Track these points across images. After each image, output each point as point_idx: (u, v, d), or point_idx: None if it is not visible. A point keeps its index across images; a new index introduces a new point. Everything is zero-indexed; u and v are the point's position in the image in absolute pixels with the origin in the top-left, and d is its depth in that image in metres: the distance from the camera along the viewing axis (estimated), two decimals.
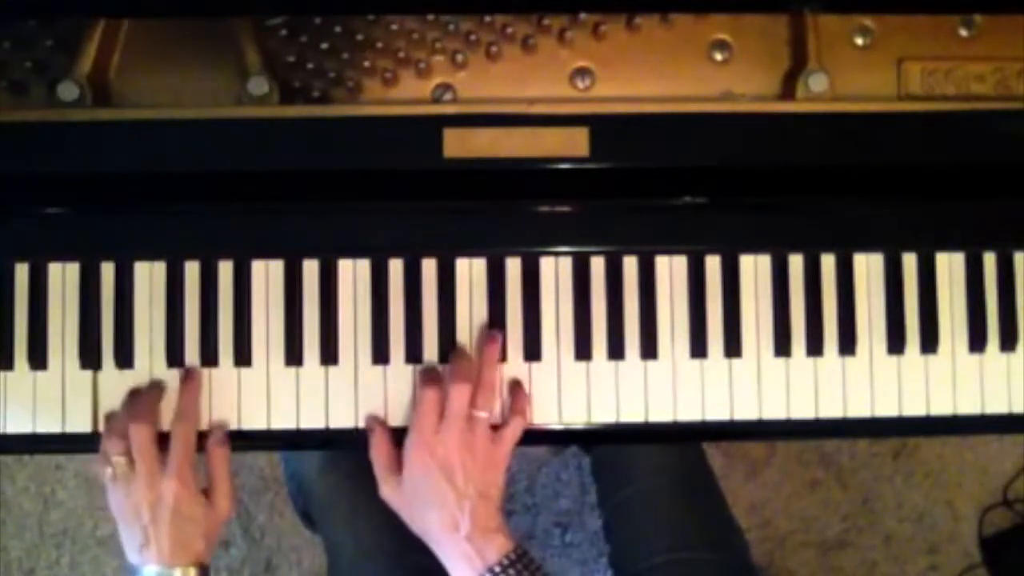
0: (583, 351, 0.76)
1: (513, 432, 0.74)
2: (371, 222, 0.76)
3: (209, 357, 0.76)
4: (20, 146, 0.73)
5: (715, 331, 0.77)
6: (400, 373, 0.76)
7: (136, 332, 0.76)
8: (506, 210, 0.76)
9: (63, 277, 0.76)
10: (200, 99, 0.74)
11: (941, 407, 0.78)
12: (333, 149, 0.73)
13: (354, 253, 0.76)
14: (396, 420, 0.76)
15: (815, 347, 0.77)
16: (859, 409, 0.77)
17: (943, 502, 1.45)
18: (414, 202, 0.76)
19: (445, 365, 0.76)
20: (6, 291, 0.75)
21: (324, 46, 0.75)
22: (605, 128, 0.73)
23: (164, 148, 0.73)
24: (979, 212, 0.77)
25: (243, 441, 0.75)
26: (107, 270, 0.76)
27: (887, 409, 0.77)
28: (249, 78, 0.73)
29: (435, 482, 0.70)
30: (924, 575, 1.45)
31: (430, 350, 0.76)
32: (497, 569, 0.69)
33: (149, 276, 0.76)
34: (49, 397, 0.75)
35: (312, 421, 0.76)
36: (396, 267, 0.76)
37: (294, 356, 0.76)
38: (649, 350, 0.77)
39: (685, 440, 0.94)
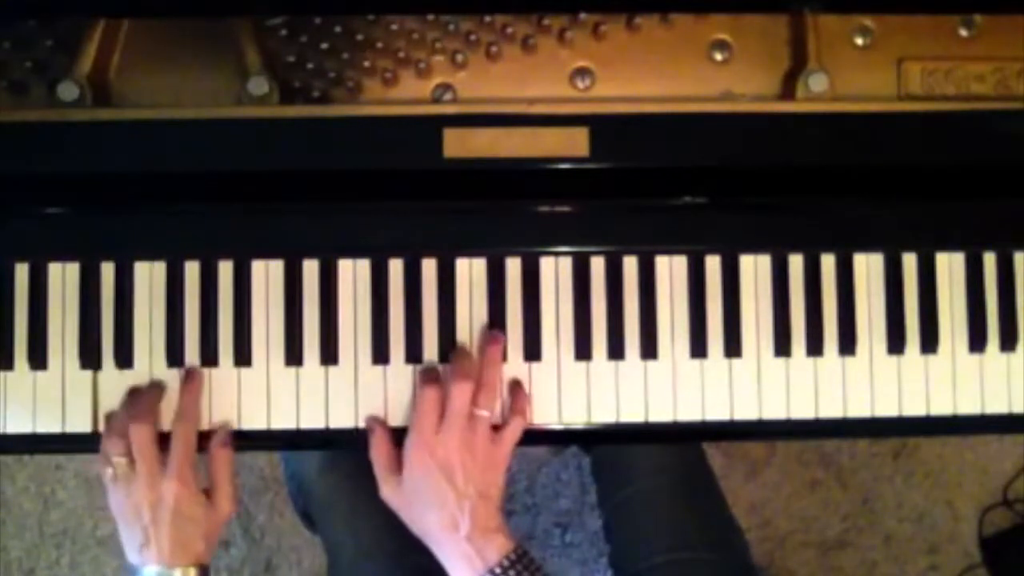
0: (583, 351, 0.76)
1: (513, 432, 0.74)
2: (371, 222, 0.76)
3: (209, 357, 0.76)
4: (20, 146, 0.72)
5: (715, 331, 0.77)
6: (400, 373, 0.76)
7: (136, 332, 0.76)
8: (506, 210, 0.76)
9: (63, 277, 0.76)
10: (200, 99, 0.74)
11: (941, 407, 0.78)
12: (333, 149, 0.73)
13: (354, 253, 0.76)
14: (396, 420, 0.76)
15: (815, 347, 0.77)
16: (859, 409, 0.77)
17: (943, 502, 1.45)
18: (414, 202, 0.76)
19: (445, 365, 0.76)
20: (6, 291, 0.75)
21: (324, 46, 0.75)
22: (605, 128, 0.73)
23: (164, 148, 0.73)
24: (979, 212, 0.77)
25: (243, 441, 0.75)
26: (107, 270, 0.76)
27: (887, 409, 0.77)
28: (249, 78, 0.73)
29: (435, 482, 0.70)
30: (924, 575, 1.45)
31: (430, 350, 0.76)
32: (497, 570, 0.69)
33: (149, 276, 0.76)
34: (49, 397, 0.75)
35: (312, 421, 0.76)
36: (396, 267, 0.76)
37: (294, 356, 0.76)
38: (649, 350, 0.77)
39: (685, 440, 0.94)
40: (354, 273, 0.76)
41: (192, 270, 0.76)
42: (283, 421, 0.76)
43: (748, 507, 1.42)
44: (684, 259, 0.77)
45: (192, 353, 0.76)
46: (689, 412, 0.77)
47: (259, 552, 1.41)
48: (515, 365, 0.76)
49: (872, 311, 0.78)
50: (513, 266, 0.77)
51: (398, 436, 0.74)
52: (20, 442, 0.76)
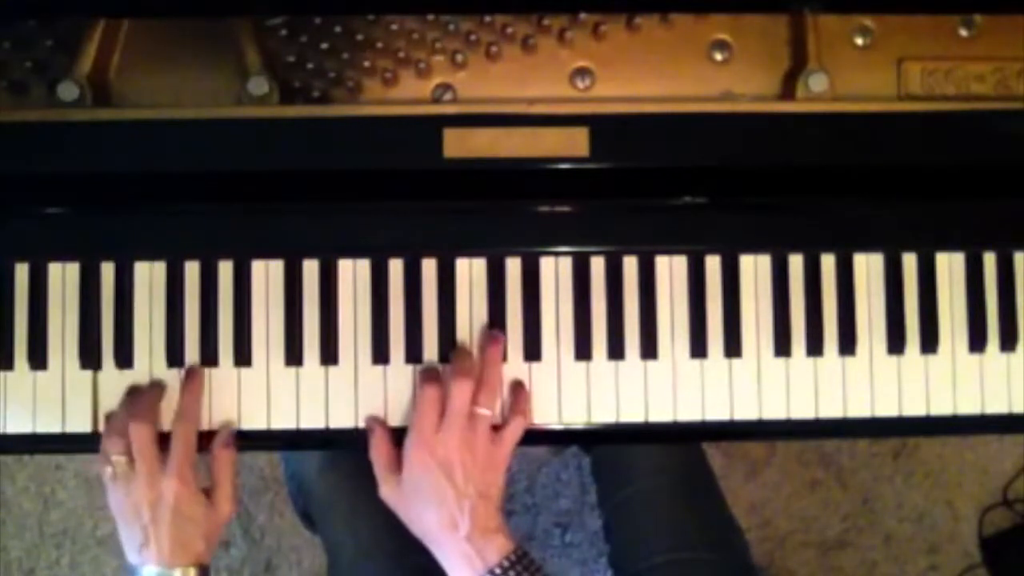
0: (583, 351, 0.76)
1: (514, 432, 0.74)
2: (371, 222, 0.76)
3: (209, 357, 0.76)
4: (20, 146, 0.72)
5: (715, 331, 0.77)
6: (400, 373, 0.76)
7: (136, 332, 0.76)
8: (506, 210, 0.76)
9: (63, 277, 0.76)
10: (200, 99, 0.74)
11: (941, 407, 0.78)
12: (333, 149, 0.73)
13: (354, 253, 0.76)
14: (396, 420, 0.76)
15: (815, 347, 0.77)
16: (859, 409, 0.77)
17: (943, 502, 1.45)
18: (414, 202, 0.76)
19: (445, 365, 0.76)
20: (6, 291, 0.75)
21: (324, 46, 0.75)
22: (605, 128, 0.73)
23: (164, 148, 0.73)
24: (979, 212, 0.77)
25: (243, 441, 0.75)
26: (107, 270, 0.76)
27: (887, 409, 0.77)
28: (249, 78, 0.73)
29: (435, 480, 0.70)
30: (924, 575, 1.45)
31: (430, 350, 0.76)
32: (497, 571, 0.69)
33: (149, 276, 0.76)
34: (49, 397, 0.75)
35: (312, 421, 0.76)
36: (396, 267, 0.76)
37: (294, 356, 0.76)
38: (649, 350, 0.77)
39: (685, 440, 0.94)
40: (354, 273, 0.76)
41: (192, 270, 0.76)
42: (283, 421, 0.76)
43: (748, 507, 1.42)
44: (684, 259, 0.77)
45: (192, 353, 0.76)
46: (689, 412, 0.77)
47: (259, 552, 1.41)
48: (515, 365, 0.76)
49: (872, 311, 0.78)
50: (513, 266, 0.77)
51: (398, 436, 0.74)
52: (20, 442, 0.76)
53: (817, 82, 0.74)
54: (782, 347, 0.77)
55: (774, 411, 0.77)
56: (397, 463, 0.73)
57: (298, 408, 0.76)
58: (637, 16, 0.75)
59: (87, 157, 0.73)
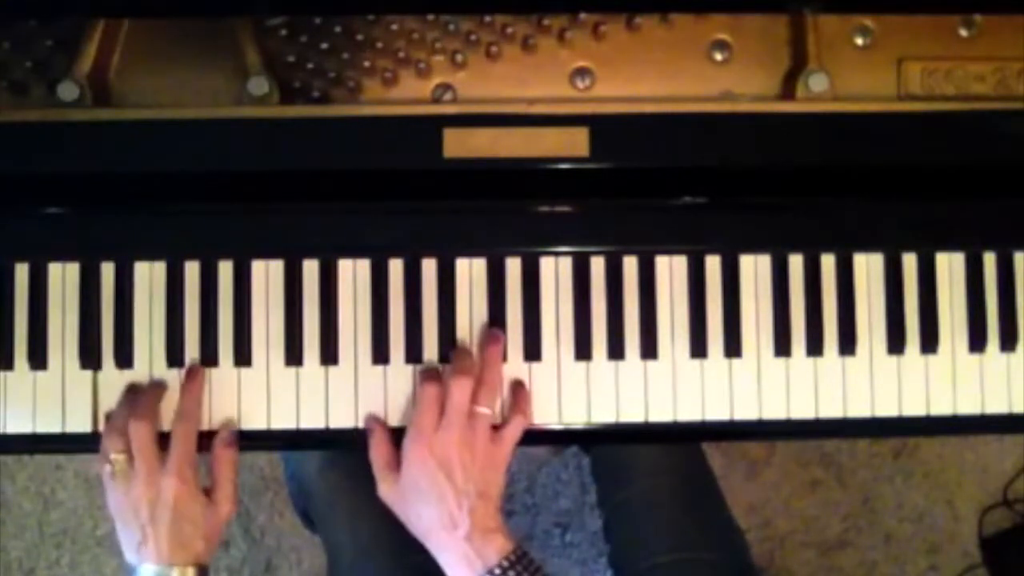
0: (583, 351, 0.76)
1: (513, 432, 0.74)
2: (371, 222, 0.76)
3: (209, 357, 0.76)
4: (20, 146, 0.73)
5: (715, 331, 0.77)
6: (400, 373, 0.76)
7: (136, 332, 0.76)
8: (506, 210, 0.76)
9: (63, 277, 0.76)
10: (200, 99, 0.74)
11: (941, 407, 0.78)
12: (333, 149, 0.73)
13: (354, 253, 0.76)
14: (396, 420, 0.76)
15: (815, 347, 0.77)
16: (859, 409, 0.77)
17: (943, 502, 1.45)
18: (414, 202, 0.76)
19: (445, 365, 0.76)
20: (6, 291, 0.75)
21: (324, 46, 0.75)
22: (605, 128, 0.73)
23: (164, 148, 0.73)
24: (979, 212, 0.77)
25: (243, 441, 0.75)
26: (107, 270, 0.76)
27: (887, 409, 0.77)
28: (249, 78, 0.73)
29: (433, 479, 0.70)
30: (924, 575, 1.45)
31: (430, 350, 0.76)
32: (497, 571, 0.69)
33: (149, 276, 0.76)
34: (49, 397, 0.75)
35: (312, 421, 0.76)
36: (396, 267, 0.76)
37: (294, 356, 0.76)
38: (649, 350, 0.77)
39: (685, 440, 0.94)
40: (354, 273, 0.76)
41: (192, 270, 0.76)
42: (283, 421, 0.76)
43: (748, 507, 1.42)
44: (684, 259, 0.77)
45: (192, 353, 0.76)
46: (689, 412, 0.77)
47: (259, 552, 1.41)
48: (515, 365, 0.76)
49: (872, 311, 0.78)
50: (513, 266, 0.77)
51: (398, 436, 0.74)
52: (20, 442, 0.76)
53: (817, 82, 0.74)
54: (782, 347, 0.77)
55: (774, 411, 0.77)
56: (396, 462, 0.73)
57: (298, 408, 0.76)
58: (637, 16, 0.75)
59: (87, 157, 0.73)
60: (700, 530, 0.90)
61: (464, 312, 0.76)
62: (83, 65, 0.72)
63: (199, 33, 0.75)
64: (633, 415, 0.77)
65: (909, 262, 0.78)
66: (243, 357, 0.76)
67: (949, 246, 0.78)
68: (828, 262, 0.78)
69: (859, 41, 0.76)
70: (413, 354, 0.76)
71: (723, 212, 0.77)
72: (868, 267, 0.78)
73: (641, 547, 0.91)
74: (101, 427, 0.75)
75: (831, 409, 0.77)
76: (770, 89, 0.76)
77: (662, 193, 0.76)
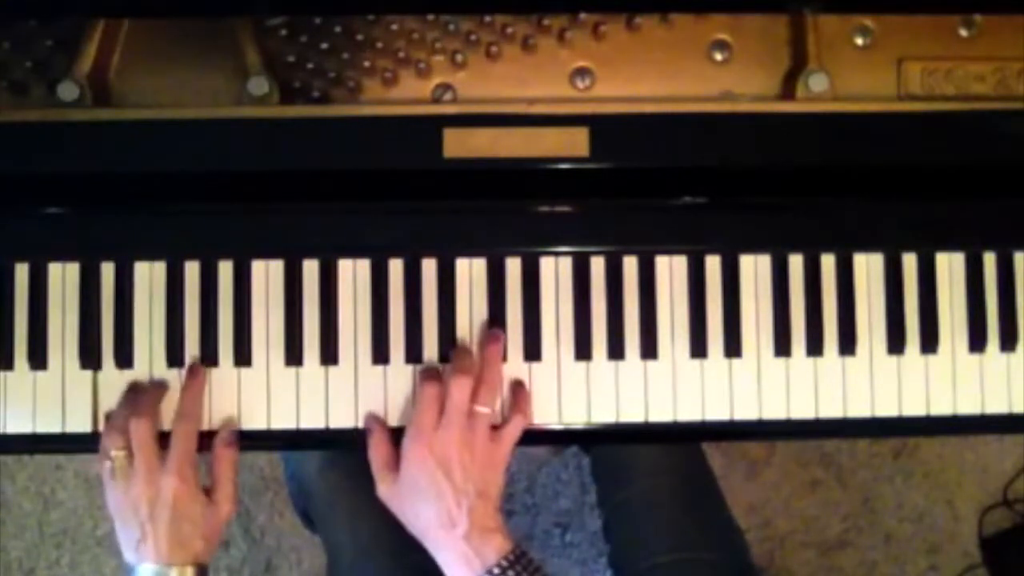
0: (583, 351, 0.76)
1: (513, 431, 0.74)
2: (371, 222, 0.76)
3: (209, 357, 0.76)
4: (20, 146, 0.73)
5: (715, 331, 0.77)
6: (400, 373, 0.76)
7: (136, 332, 0.76)
8: (506, 210, 0.76)
9: (63, 277, 0.76)
10: (200, 99, 0.74)
11: (941, 407, 0.78)
12: (333, 149, 0.73)
13: (354, 253, 0.76)
14: (396, 420, 0.76)
15: (815, 347, 0.77)
16: (859, 409, 0.77)
17: (943, 502, 1.45)
18: (414, 202, 0.76)
19: (445, 365, 0.76)
20: (6, 291, 0.75)
21: (324, 46, 0.75)
22: (605, 128, 0.73)
23: (164, 148, 0.73)
24: (979, 212, 0.77)
25: (243, 441, 0.75)
26: (107, 270, 0.76)
27: (887, 409, 0.77)
28: (249, 78, 0.73)
29: (432, 478, 0.70)
30: (924, 575, 1.45)
31: (430, 350, 0.76)
32: (496, 571, 0.68)
33: (149, 276, 0.76)
34: (49, 397, 0.75)
35: (312, 421, 0.76)
36: (396, 267, 0.76)
37: (294, 356, 0.76)
38: (649, 350, 0.77)
39: (685, 440, 0.94)
40: (354, 273, 0.76)
41: (192, 270, 0.76)
42: (283, 421, 0.76)
43: (748, 507, 1.42)
44: (684, 259, 0.77)
45: (192, 353, 0.76)
46: (689, 412, 0.77)
47: (259, 552, 1.41)
48: (515, 365, 0.76)
49: (872, 311, 0.78)
50: (513, 266, 0.77)
51: (398, 436, 0.74)
52: (20, 442, 0.76)
53: (817, 82, 0.74)
54: (782, 347, 0.77)
55: (774, 411, 0.77)
56: (395, 462, 0.73)
57: (298, 408, 0.76)
58: (637, 16, 0.75)
59: (87, 157, 0.73)
60: (700, 530, 0.90)
61: (464, 312, 0.76)
62: (83, 65, 0.72)
63: (199, 33, 0.75)
64: (633, 415, 0.77)
65: (909, 262, 0.78)
66: (243, 357, 0.76)
67: (949, 246, 0.78)
68: (828, 262, 0.78)
69: (859, 41, 0.76)
70: (413, 354, 0.76)
71: (723, 212, 0.77)
72: (868, 267, 0.78)
73: (641, 547, 0.91)
74: (101, 427, 0.75)
75: (831, 409, 0.77)
76: (770, 89, 0.76)
77: (662, 193, 0.76)
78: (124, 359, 0.75)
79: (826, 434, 1.08)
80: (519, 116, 0.74)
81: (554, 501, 1.42)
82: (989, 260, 0.78)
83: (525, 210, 0.76)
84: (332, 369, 0.76)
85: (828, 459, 1.44)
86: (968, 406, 0.78)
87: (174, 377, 0.75)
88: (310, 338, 0.76)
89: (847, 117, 0.75)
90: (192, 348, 0.76)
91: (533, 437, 0.76)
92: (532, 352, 0.76)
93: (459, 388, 0.71)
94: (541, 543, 1.41)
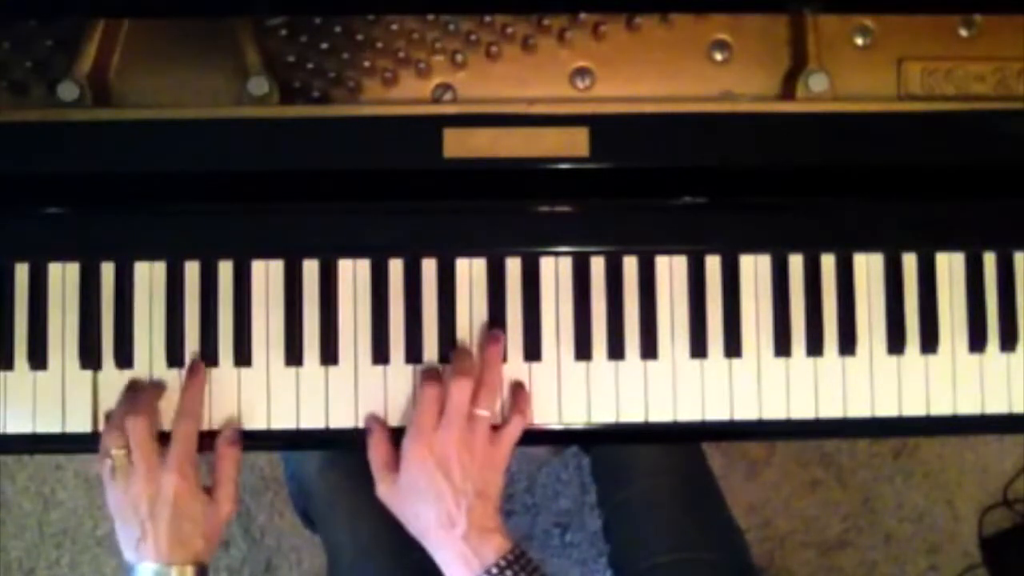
0: (583, 351, 0.76)
1: (513, 432, 0.74)
2: (371, 222, 0.76)
3: (209, 357, 0.76)
4: (20, 146, 0.73)
5: (715, 331, 0.77)
6: (400, 373, 0.76)
7: (136, 332, 0.76)
8: (506, 210, 0.76)
9: (63, 277, 0.76)
10: (200, 99, 0.74)
11: (941, 407, 0.78)
12: (333, 149, 0.73)
13: (354, 253, 0.76)
14: (396, 420, 0.76)
15: (815, 347, 0.77)
16: (859, 409, 0.77)
17: (943, 502, 1.45)
18: (414, 202, 0.76)
19: (446, 365, 0.76)
20: (6, 291, 0.75)
21: (324, 46, 0.75)
22: (605, 128, 0.73)
23: (164, 148, 0.73)
24: (979, 212, 0.77)
25: (243, 441, 0.75)
26: (107, 270, 0.76)
27: (887, 409, 0.77)
28: (249, 78, 0.73)
29: (432, 478, 0.70)
30: (924, 575, 1.45)
31: (430, 350, 0.76)
32: (494, 570, 0.69)
33: (149, 276, 0.76)
34: (49, 397, 0.75)
35: (312, 421, 0.76)
36: (396, 267, 0.76)
37: (294, 356, 0.76)
38: (649, 350, 0.77)
39: (685, 440, 0.94)
40: (354, 273, 0.76)
41: (192, 270, 0.76)
42: (283, 421, 0.76)
43: (748, 507, 1.42)
44: (684, 259, 0.77)
45: (192, 353, 0.76)
46: (689, 412, 0.77)
47: (259, 552, 1.41)
48: (515, 365, 0.76)
49: (872, 311, 0.78)
50: (513, 266, 0.77)
51: (398, 436, 0.74)
52: (20, 442, 0.76)
53: (817, 82, 0.74)
54: (782, 347, 0.77)
55: (774, 411, 0.77)
56: (395, 462, 0.73)
57: (298, 408, 0.76)
58: (637, 16, 0.75)
59: (87, 157, 0.73)
60: (700, 530, 0.90)
61: (464, 312, 0.76)
62: (83, 65, 0.72)
63: (199, 33, 0.75)
64: (633, 415, 0.77)
65: (909, 262, 0.78)
66: (243, 357, 0.76)
67: (949, 246, 0.78)
68: (828, 262, 0.78)
69: (859, 41, 0.76)
70: (413, 354, 0.76)
71: (723, 212, 0.77)
72: (868, 267, 0.78)
73: (641, 547, 0.91)
74: (101, 427, 0.75)
75: (831, 409, 0.77)
76: (770, 89, 0.76)
77: (662, 193, 0.76)
78: (124, 359, 0.75)
79: (826, 434, 1.08)
80: (519, 116, 0.74)
81: (554, 501, 1.42)
82: (989, 260, 0.78)
83: (525, 210, 0.76)
84: (332, 369, 0.76)
85: (828, 459, 1.44)
86: (968, 406, 0.78)
87: (174, 377, 0.75)
88: (310, 338, 0.76)
89: (847, 117, 0.75)
90: (192, 348, 0.76)
91: (533, 437, 0.76)
92: (532, 352, 0.76)
93: (459, 390, 0.71)
94: (541, 543, 1.41)
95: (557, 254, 0.77)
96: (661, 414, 0.77)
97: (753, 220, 0.77)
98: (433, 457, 0.70)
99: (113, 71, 0.75)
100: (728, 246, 0.77)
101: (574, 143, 0.73)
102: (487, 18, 0.75)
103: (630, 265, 0.77)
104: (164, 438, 0.72)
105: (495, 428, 0.73)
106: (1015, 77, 0.76)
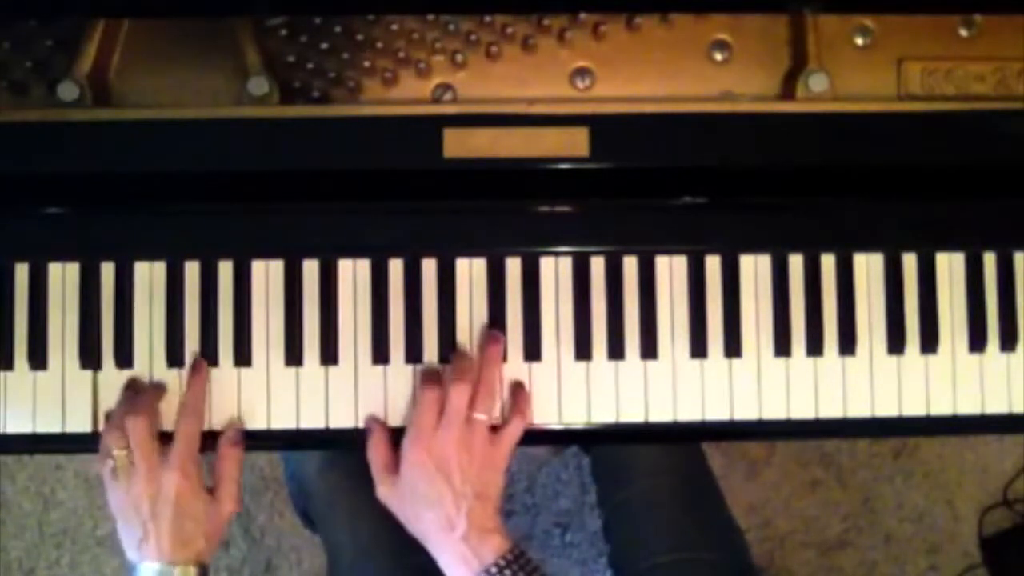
0: (583, 351, 0.76)
1: (512, 432, 0.74)
2: (371, 222, 0.76)
3: (209, 357, 0.76)
4: (20, 146, 0.73)
5: (715, 331, 0.77)
6: (400, 373, 0.76)
7: (136, 332, 0.76)
8: (506, 210, 0.76)
9: (63, 277, 0.76)
10: (200, 99, 0.74)
11: (941, 407, 0.78)
12: (333, 149, 0.73)
13: (354, 253, 0.76)
14: (396, 420, 0.76)
15: (815, 347, 0.77)
16: (859, 409, 0.77)
17: (943, 502, 1.45)
18: (414, 202, 0.76)
19: (445, 366, 0.76)
20: (6, 291, 0.75)
21: (324, 46, 0.75)
22: (605, 128, 0.73)
23: (164, 148, 0.73)
24: (979, 212, 0.77)
25: (243, 441, 0.75)
26: (107, 270, 0.76)
27: (887, 409, 0.77)
28: (249, 78, 0.73)
29: (431, 480, 0.70)
30: (924, 575, 1.45)
31: (430, 350, 0.76)
32: (494, 570, 0.69)
33: (149, 276, 0.76)
34: (49, 397, 0.75)
35: (312, 421, 0.76)
36: (396, 267, 0.76)
37: (294, 356, 0.76)
38: (649, 350, 0.77)
39: (685, 440, 0.94)
40: (354, 273, 0.76)
41: (192, 270, 0.76)
42: (283, 421, 0.76)
43: (748, 507, 1.42)
44: (684, 259, 0.77)
45: (192, 353, 0.76)
46: (689, 412, 0.77)
47: (259, 552, 1.41)
48: (515, 365, 0.76)
49: (872, 311, 0.78)
50: (513, 266, 0.77)
51: (398, 437, 0.74)
52: (20, 442, 0.76)
53: (817, 82, 0.74)
54: (782, 347, 0.77)
55: (774, 411, 0.77)
56: (395, 464, 0.73)
57: (298, 408, 0.76)
58: (637, 16, 0.75)
59: (87, 157, 0.73)
60: (700, 530, 0.90)
61: (464, 312, 0.76)
62: (83, 65, 0.72)
63: (199, 33, 0.75)
64: (633, 415, 0.77)
65: (909, 262, 0.78)
66: (243, 357, 0.76)
67: (949, 246, 0.78)
68: (828, 262, 0.78)
69: (859, 41, 0.76)
70: (413, 354, 0.76)
71: (723, 212, 0.77)
72: (868, 267, 0.78)
73: (641, 547, 0.91)
74: (101, 427, 0.75)
75: (831, 409, 0.77)
76: (770, 89, 0.76)
77: (662, 193, 0.76)
78: (124, 359, 0.75)
79: (826, 434, 1.08)
80: (519, 116, 0.74)
81: (554, 501, 1.42)
82: (989, 260, 0.78)
83: (525, 210, 0.76)
84: (332, 369, 0.76)
85: (828, 459, 1.44)
86: (968, 406, 0.78)
87: (174, 377, 0.75)
88: (310, 338, 0.76)
89: (847, 117, 0.75)
90: (192, 348, 0.76)
91: (533, 437, 0.76)
92: (532, 352, 0.76)
93: (458, 394, 0.71)
94: (541, 543, 1.41)
95: (557, 254, 0.77)
96: (661, 414, 0.77)
97: (753, 220, 0.77)
98: (432, 460, 0.70)
99: (113, 71, 0.75)
100: (728, 246, 0.77)
101: (574, 143, 0.73)
102: (487, 18, 0.75)
103: (630, 265, 0.77)
104: (165, 438, 0.72)
105: (495, 428, 0.73)
106: (1015, 77, 0.76)
